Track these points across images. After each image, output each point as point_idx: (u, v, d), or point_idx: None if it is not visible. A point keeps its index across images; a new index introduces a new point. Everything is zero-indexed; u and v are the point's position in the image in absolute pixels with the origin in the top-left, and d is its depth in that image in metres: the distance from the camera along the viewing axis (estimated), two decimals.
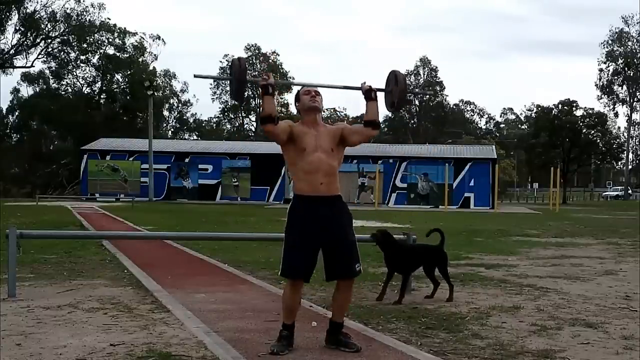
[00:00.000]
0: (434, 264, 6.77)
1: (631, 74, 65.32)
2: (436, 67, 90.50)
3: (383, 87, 4.74)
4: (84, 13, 60.19)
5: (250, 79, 4.52)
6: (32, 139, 63.59)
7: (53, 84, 64.87)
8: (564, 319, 5.76)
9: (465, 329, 5.32)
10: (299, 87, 4.69)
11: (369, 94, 4.45)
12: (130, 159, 43.87)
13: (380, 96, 4.66)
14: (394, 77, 4.52)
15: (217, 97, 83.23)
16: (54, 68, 63.20)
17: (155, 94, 53.07)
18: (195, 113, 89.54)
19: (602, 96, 66.97)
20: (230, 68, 4.61)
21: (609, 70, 66.48)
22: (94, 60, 64.20)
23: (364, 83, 4.63)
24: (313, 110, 4.52)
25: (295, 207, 4.44)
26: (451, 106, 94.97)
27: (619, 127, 77.25)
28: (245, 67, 4.45)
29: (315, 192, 4.38)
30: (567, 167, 58.70)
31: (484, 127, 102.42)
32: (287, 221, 4.45)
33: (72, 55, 62.77)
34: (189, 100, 76.64)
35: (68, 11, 59.32)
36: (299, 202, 4.43)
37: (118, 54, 64.19)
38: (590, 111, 60.12)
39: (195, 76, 4.61)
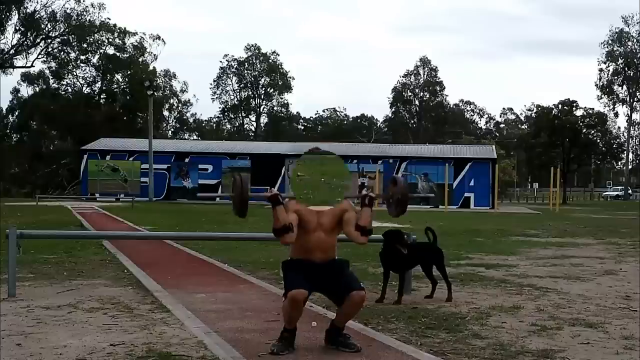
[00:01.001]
0: (431, 262, 6.78)
1: (631, 74, 65.37)
2: (436, 67, 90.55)
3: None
4: (84, 13, 60.30)
5: (252, 195, 4.64)
6: (32, 139, 63.55)
7: (53, 84, 64.87)
8: (564, 319, 5.76)
9: (465, 329, 5.32)
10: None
11: (364, 199, 4.56)
12: (130, 159, 43.83)
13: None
14: (393, 180, 4.65)
15: (217, 97, 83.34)
16: (54, 68, 63.20)
17: (155, 94, 53.08)
18: (195, 113, 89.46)
19: (602, 96, 67.06)
20: (233, 184, 4.73)
21: (609, 70, 66.61)
22: (94, 60, 64.28)
23: (362, 191, 4.74)
24: None
25: (290, 261, 4.58)
26: (451, 106, 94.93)
27: (619, 127, 77.20)
28: (247, 186, 4.57)
29: (311, 261, 4.51)
30: (567, 167, 58.69)
31: (484, 127, 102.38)
32: (284, 270, 4.58)
33: (72, 55, 62.83)
34: (189, 100, 76.84)
35: (68, 11, 59.43)
36: (294, 261, 4.56)
37: (118, 54, 64.20)
38: (590, 111, 60.24)
39: (198, 196, 4.70)
